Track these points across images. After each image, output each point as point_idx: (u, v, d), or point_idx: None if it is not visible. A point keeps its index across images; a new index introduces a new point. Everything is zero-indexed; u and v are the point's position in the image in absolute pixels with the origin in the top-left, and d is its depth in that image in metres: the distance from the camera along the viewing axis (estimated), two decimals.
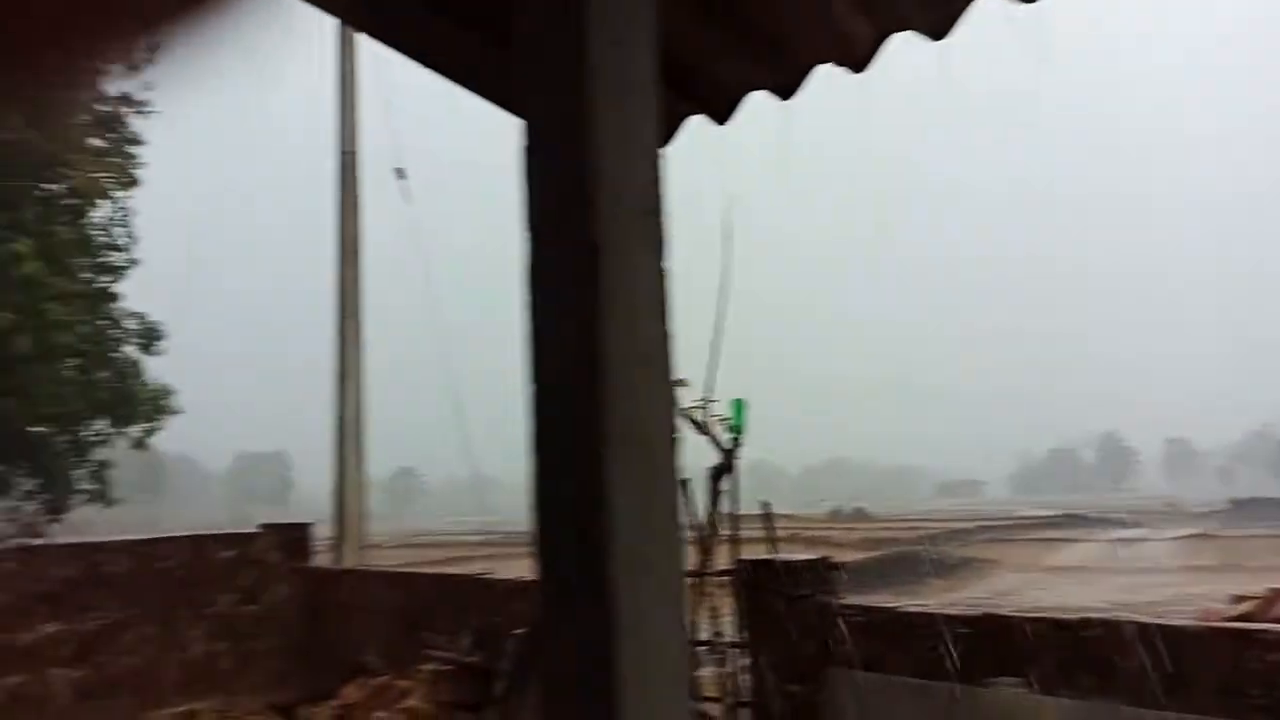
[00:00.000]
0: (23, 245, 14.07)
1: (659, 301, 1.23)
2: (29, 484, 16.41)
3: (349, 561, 11.17)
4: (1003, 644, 4.22)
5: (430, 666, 7.55)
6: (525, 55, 1.26)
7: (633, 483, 1.15)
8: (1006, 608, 5.25)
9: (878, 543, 32.04)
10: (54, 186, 15.07)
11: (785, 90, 2.34)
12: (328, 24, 11.21)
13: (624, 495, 1.14)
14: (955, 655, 4.30)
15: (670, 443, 1.23)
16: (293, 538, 10.21)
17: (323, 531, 11.16)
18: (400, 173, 10.76)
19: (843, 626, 4.85)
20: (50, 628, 8.46)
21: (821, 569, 5.17)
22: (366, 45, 11.18)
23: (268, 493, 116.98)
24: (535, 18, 1.25)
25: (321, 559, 10.92)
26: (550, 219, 1.23)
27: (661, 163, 1.27)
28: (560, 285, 1.21)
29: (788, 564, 5.17)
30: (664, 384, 1.24)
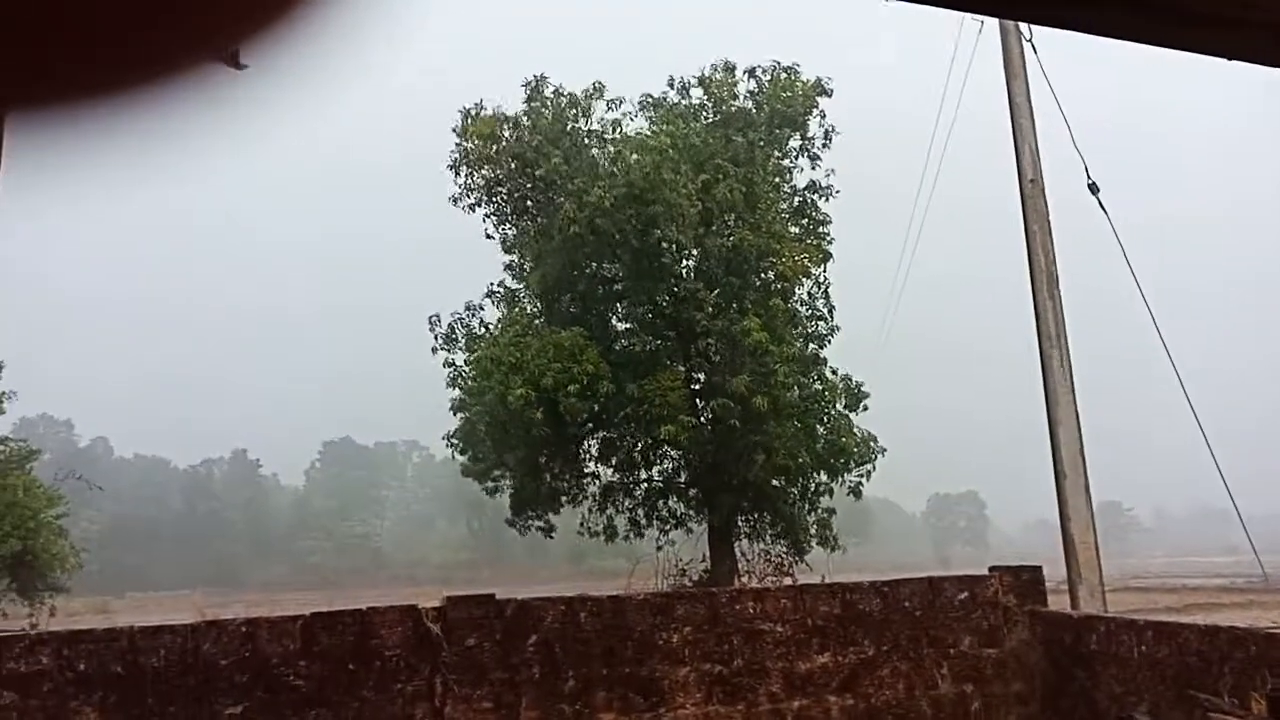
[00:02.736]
0: (751, 321, 16.77)
1: None
2: (773, 529, 19.14)
3: (1086, 606, 10.47)
4: None
5: None
6: None
7: None
8: None
9: None
10: (769, 274, 17.77)
11: None
12: (994, 56, 11.17)
13: None
14: None
15: None
16: (1025, 580, 9.95)
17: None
18: (1094, 187, 10.12)
19: None
20: (822, 659, 9.51)
21: None
22: (1038, 70, 10.84)
23: (962, 532, 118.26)
24: None
25: (1053, 602, 10.42)
26: None
27: None
28: None
29: None
30: None
